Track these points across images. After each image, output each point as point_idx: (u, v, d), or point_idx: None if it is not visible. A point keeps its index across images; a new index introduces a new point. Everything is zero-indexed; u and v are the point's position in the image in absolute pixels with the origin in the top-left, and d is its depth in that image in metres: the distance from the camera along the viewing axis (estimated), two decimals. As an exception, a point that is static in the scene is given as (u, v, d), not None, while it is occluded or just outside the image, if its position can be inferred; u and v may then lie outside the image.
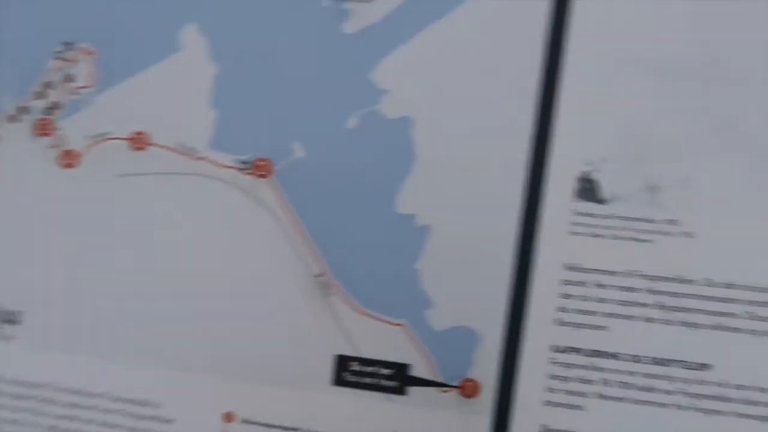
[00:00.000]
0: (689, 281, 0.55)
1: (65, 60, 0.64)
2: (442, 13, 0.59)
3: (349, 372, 0.58)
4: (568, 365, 0.55)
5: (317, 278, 0.59)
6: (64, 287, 0.62)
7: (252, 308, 0.59)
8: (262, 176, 0.60)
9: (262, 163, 0.60)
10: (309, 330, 0.59)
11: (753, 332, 0.54)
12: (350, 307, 0.58)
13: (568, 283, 0.56)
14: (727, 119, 0.55)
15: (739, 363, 0.54)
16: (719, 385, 0.54)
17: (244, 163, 0.60)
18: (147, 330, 0.61)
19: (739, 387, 0.54)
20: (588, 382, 0.55)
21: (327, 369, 0.58)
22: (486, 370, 0.57)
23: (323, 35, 0.60)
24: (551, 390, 0.56)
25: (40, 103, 0.64)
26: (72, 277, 0.63)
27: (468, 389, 0.57)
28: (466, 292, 0.57)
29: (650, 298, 0.55)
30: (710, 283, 0.54)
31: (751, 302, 0.54)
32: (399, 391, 0.57)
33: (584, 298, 0.56)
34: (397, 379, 0.58)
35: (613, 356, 0.55)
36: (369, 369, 0.58)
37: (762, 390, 0.53)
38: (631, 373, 0.55)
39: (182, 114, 0.62)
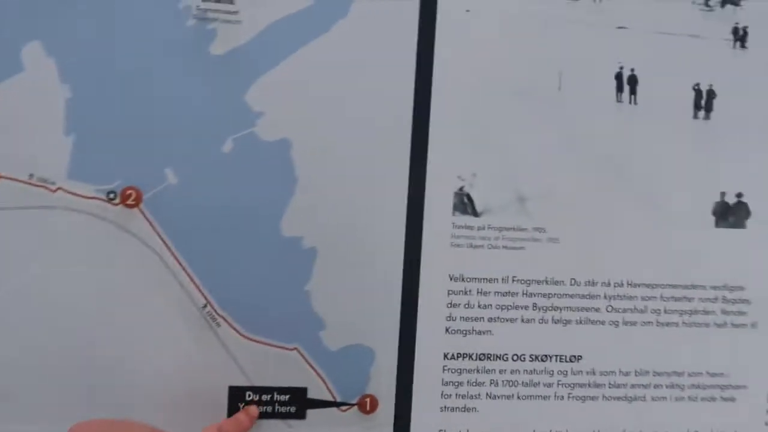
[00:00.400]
0: (557, 282, 0.60)
1: None
2: (314, 35, 0.59)
3: (245, 402, 0.57)
4: (459, 371, 0.59)
5: (203, 310, 0.57)
6: None
7: (136, 348, 0.56)
8: (131, 206, 0.56)
9: (130, 192, 0.56)
10: (199, 364, 0.56)
11: (614, 323, 0.61)
12: (241, 336, 0.57)
13: (453, 292, 0.59)
14: (577, 136, 0.61)
15: (604, 352, 0.61)
16: (589, 373, 0.60)
17: (110, 192, 0.56)
18: (15, 379, 0.55)
19: (605, 373, 0.60)
20: (479, 384, 0.59)
21: (222, 402, 0.56)
22: (383, 384, 0.58)
23: (189, 56, 0.57)
24: (446, 396, 0.59)
25: None
26: None
27: (367, 405, 0.58)
28: (358, 310, 0.58)
29: (526, 301, 0.60)
30: (575, 283, 0.60)
31: (610, 297, 0.61)
32: (298, 415, 0.57)
33: (469, 306, 0.59)
34: (294, 403, 0.57)
35: (499, 357, 0.59)
36: (265, 397, 0.57)
37: (625, 374, 0.61)
38: (516, 372, 0.59)
39: (30, 142, 0.56)
